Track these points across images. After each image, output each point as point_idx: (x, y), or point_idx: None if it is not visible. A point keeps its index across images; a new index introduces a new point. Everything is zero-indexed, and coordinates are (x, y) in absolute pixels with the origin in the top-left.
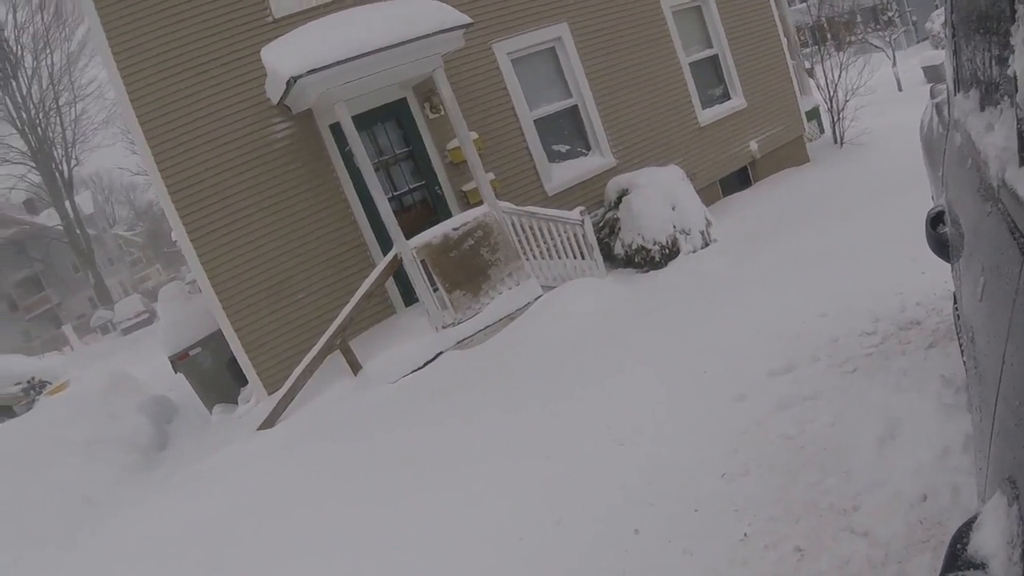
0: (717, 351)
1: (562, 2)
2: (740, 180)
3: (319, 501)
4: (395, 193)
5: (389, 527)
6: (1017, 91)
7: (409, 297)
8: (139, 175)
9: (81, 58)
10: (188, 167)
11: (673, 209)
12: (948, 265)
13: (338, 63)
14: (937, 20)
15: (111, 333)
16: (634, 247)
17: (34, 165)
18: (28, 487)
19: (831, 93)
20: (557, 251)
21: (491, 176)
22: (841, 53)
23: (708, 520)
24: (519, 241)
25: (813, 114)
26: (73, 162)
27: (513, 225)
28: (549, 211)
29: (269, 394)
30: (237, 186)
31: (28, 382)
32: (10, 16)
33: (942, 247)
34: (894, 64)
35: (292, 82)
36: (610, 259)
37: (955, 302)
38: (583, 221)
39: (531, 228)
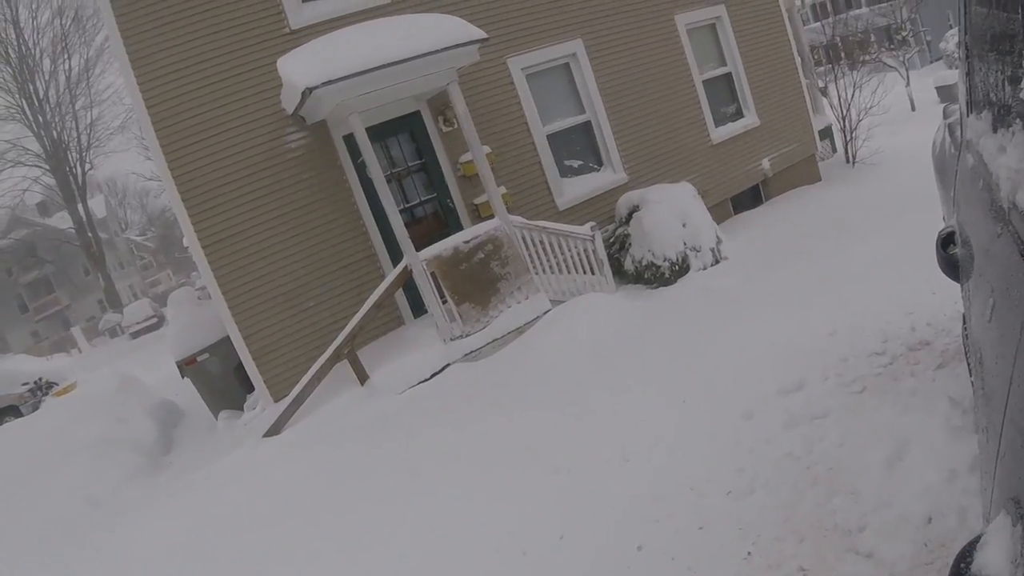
0: (726, 368)
1: (577, 19)
2: (752, 198)
3: (323, 508)
4: (407, 205)
5: (391, 534)
6: None
7: (418, 308)
8: (152, 180)
9: (99, 63)
10: (201, 174)
11: (684, 226)
12: (958, 286)
13: (353, 75)
14: (951, 40)
15: (119, 336)
16: (644, 263)
17: (48, 168)
18: (35, 488)
19: (844, 112)
20: (567, 266)
21: (503, 190)
22: (855, 72)
23: (712, 538)
24: (529, 255)
25: (826, 133)
26: (87, 166)
27: (524, 239)
28: (560, 226)
29: (275, 401)
30: (249, 194)
31: (35, 383)
32: (30, 19)
33: (952, 268)
34: (907, 84)
35: (307, 93)
36: (620, 275)
37: (964, 323)
38: (594, 236)
39: (541, 242)
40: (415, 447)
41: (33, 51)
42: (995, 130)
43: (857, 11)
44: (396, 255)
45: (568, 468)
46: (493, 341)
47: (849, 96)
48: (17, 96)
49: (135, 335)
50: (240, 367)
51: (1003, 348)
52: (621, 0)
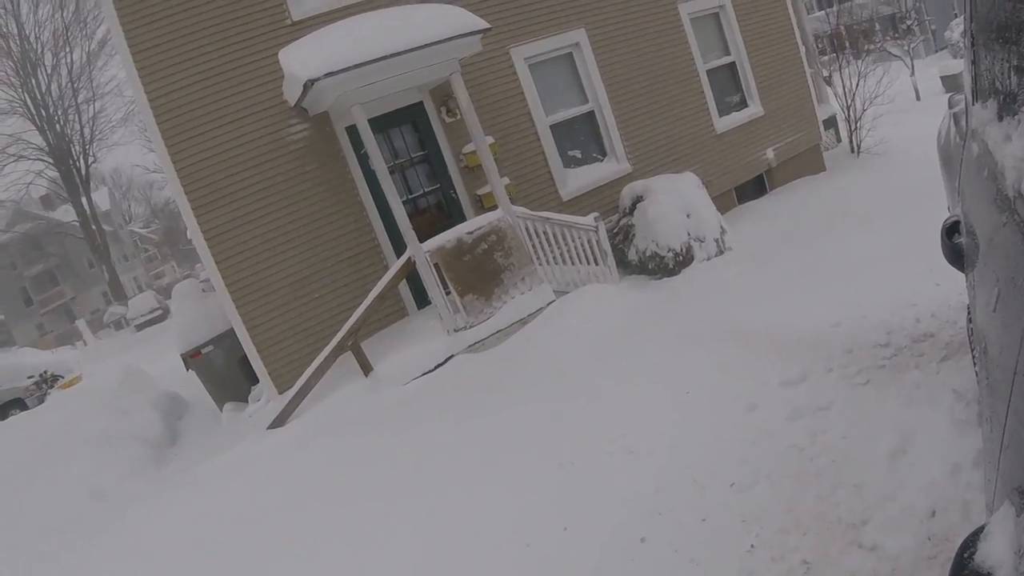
0: (729, 359)
1: (580, 8)
2: (756, 188)
3: (327, 500)
4: (410, 196)
5: (396, 526)
6: None
7: (422, 300)
8: (156, 173)
9: (101, 56)
10: (204, 166)
11: (688, 216)
12: (963, 277)
13: (355, 66)
14: (956, 29)
15: (124, 329)
16: (648, 254)
17: (52, 161)
18: (41, 481)
19: (849, 102)
20: (571, 256)
21: (506, 181)
22: (859, 61)
23: (716, 530)
24: (533, 246)
25: (830, 123)
26: (90, 159)
27: (527, 230)
28: (563, 216)
29: (280, 393)
30: (252, 186)
31: (40, 376)
32: (31, 13)
33: (957, 257)
34: (912, 73)
35: (309, 84)
36: (623, 265)
37: (969, 314)
38: (597, 227)
39: (545, 233)
40: (419, 438)
41: (35, 45)
42: (1000, 119)
43: None
44: (399, 246)
45: (572, 460)
46: (497, 332)
47: (854, 85)
48: (20, 90)
49: (140, 327)
50: (244, 359)
51: (1008, 338)
52: None
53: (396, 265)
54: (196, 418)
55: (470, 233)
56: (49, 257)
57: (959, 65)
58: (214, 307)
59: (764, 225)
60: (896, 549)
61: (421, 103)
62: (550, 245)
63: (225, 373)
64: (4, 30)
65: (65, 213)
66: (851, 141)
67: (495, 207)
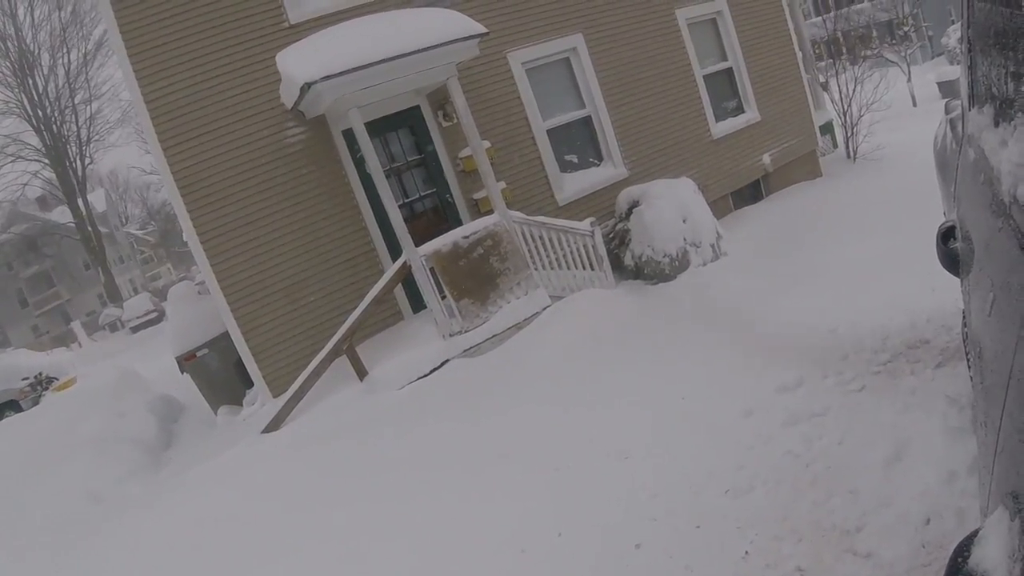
0: (726, 365)
1: (577, 13)
2: (752, 193)
3: (321, 504)
4: (406, 200)
5: (390, 531)
6: None
7: (417, 304)
8: (152, 175)
9: (98, 57)
10: (200, 168)
11: (684, 221)
12: (958, 283)
13: (352, 70)
14: (953, 35)
15: (120, 331)
16: (644, 259)
17: (48, 162)
18: (36, 484)
19: (845, 107)
20: (566, 261)
21: (502, 185)
22: (856, 67)
23: (710, 536)
24: (528, 251)
25: (827, 128)
26: (87, 160)
27: (523, 234)
28: (559, 221)
29: (274, 397)
30: (248, 189)
31: (35, 378)
32: (28, 14)
33: (952, 262)
34: (909, 79)
35: (306, 88)
36: (619, 270)
37: (964, 320)
38: (593, 232)
39: (541, 238)
40: (414, 443)
41: (32, 45)
42: (996, 124)
43: (859, 5)
44: (395, 250)
45: (567, 465)
46: (492, 337)
47: (850, 91)
48: (17, 91)
49: (135, 329)
50: (239, 362)
51: (1003, 343)
52: None
53: (392, 269)
54: (191, 421)
55: (466, 237)
56: (45, 259)
57: (956, 71)
58: (209, 310)
59: (760, 230)
60: (891, 556)
61: (418, 107)
62: (546, 250)
63: (220, 376)
64: (1, 31)
65: (61, 214)
66: (847, 147)
67: (491, 211)
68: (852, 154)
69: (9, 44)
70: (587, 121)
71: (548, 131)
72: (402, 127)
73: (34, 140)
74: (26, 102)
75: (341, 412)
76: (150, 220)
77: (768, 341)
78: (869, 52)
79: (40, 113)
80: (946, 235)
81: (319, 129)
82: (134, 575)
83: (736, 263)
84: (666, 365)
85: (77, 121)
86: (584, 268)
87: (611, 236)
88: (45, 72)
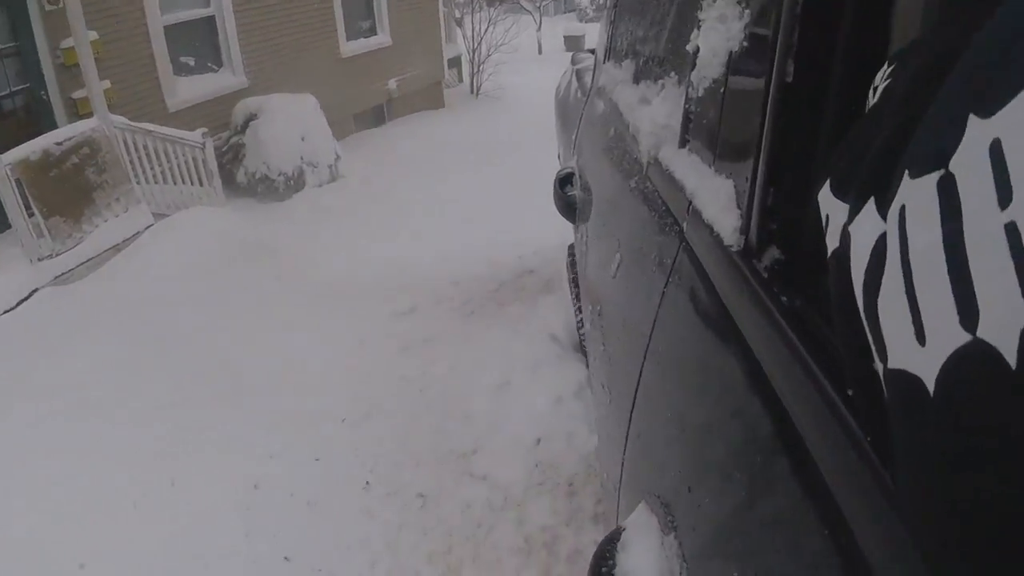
0: (339, 291)
1: None
2: (375, 117)
3: None
4: None
5: None
6: (695, 68)
7: (1, 223)
8: None
9: None
10: None
11: (302, 140)
12: (563, 220)
13: None
14: None
15: None
16: (258, 176)
17: None
18: None
19: (475, 45)
20: (174, 176)
21: (106, 84)
22: (491, 9)
23: (330, 469)
24: (131, 161)
25: (455, 62)
26: None
27: (125, 143)
28: (168, 130)
29: None
30: None
31: None
32: None
33: (568, 208)
34: (539, 28)
35: None
36: (232, 187)
37: (571, 255)
38: (204, 144)
39: (146, 148)
40: None
41: None
42: (636, 81)
43: None
44: None
45: (179, 401)
46: (88, 260)
47: (483, 31)
48: None
49: None
50: None
51: (634, 318)
52: None
53: None
54: None
55: (59, 144)
56: None
57: (582, 28)
58: None
59: (380, 155)
60: (507, 478)
61: None
62: (151, 161)
63: None
64: None
65: None
66: (472, 83)
67: (91, 114)
68: (476, 90)
69: None
70: (210, 21)
71: (166, 27)
72: None
73: None
74: None
75: None
76: None
77: (382, 267)
78: None
79: None
80: (563, 181)
81: None
82: None
83: (353, 186)
84: (277, 292)
85: None
86: (193, 184)
87: (225, 150)
88: None
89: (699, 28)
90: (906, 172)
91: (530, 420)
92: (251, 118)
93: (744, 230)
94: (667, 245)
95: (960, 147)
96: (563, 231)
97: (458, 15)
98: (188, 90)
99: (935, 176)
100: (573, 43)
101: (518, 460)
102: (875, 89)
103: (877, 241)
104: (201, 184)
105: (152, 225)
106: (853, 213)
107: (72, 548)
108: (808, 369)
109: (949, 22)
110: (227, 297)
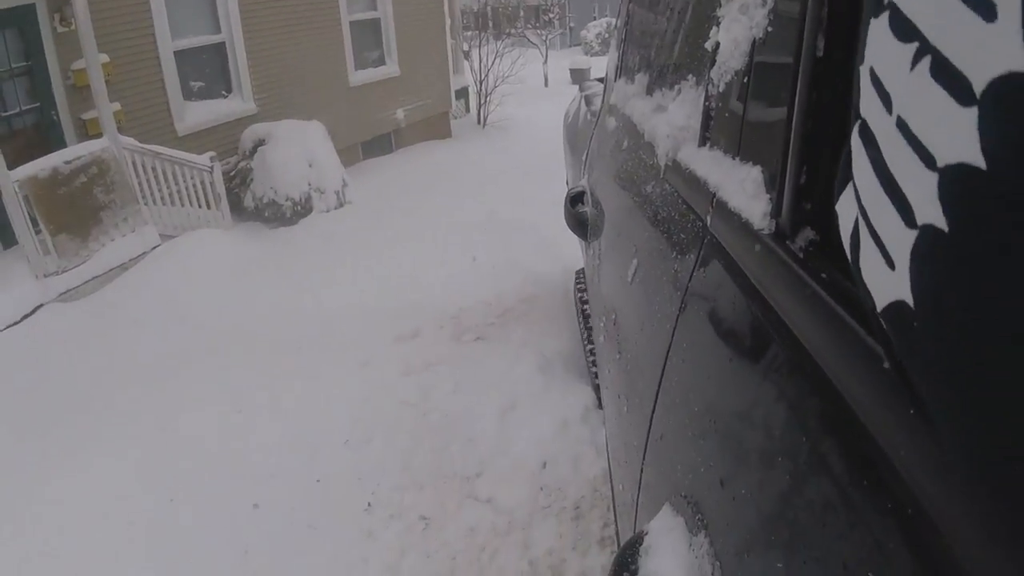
0: (343, 315)
1: None
2: (383, 146)
3: None
4: (4, 114)
5: None
6: (714, 64)
7: (9, 238)
8: None
9: None
10: None
11: (310, 166)
12: (570, 244)
13: None
14: (593, 30)
15: None
16: (265, 200)
17: None
18: None
19: (482, 76)
20: (181, 198)
21: (116, 106)
22: (499, 42)
23: (331, 491)
24: (139, 183)
25: (462, 93)
26: None
27: (134, 164)
28: (176, 153)
29: None
30: None
31: None
32: None
33: (580, 225)
34: (545, 61)
35: None
36: (239, 211)
37: (578, 280)
38: (212, 168)
39: (154, 169)
40: None
41: None
42: (649, 92)
43: None
44: None
45: (179, 426)
46: (94, 278)
47: (490, 63)
48: None
49: None
50: None
51: (653, 318)
52: None
53: None
54: None
55: (68, 163)
56: None
57: (588, 62)
58: None
59: (387, 182)
60: (511, 501)
61: (33, 6)
62: (159, 183)
63: None
64: None
65: None
66: (479, 113)
67: (100, 135)
68: (483, 121)
69: None
70: (220, 48)
71: (176, 52)
72: (10, 27)
73: None
74: None
75: None
76: None
77: (385, 291)
78: (513, 30)
79: None
80: (574, 200)
81: None
82: None
83: (359, 212)
84: (281, 315)
85: None
86: (200, 206)
87: (233, 174)
88: None
89: (718, 25)
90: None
91: (535, 444)
92: (259, 143)
93: (775, 213)
94: (689, 241)
95: (861, 96)
96: (568, 258)
97: (466, 47)
98: (197, 115)
99: (856, 128)
100: (578, 76)
101: (523, 483)
102: None
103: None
104: (209, 207)
105: (159, 245)
106: (838, 194)
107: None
108: (855, 342)
109: None
110: (231, 318)
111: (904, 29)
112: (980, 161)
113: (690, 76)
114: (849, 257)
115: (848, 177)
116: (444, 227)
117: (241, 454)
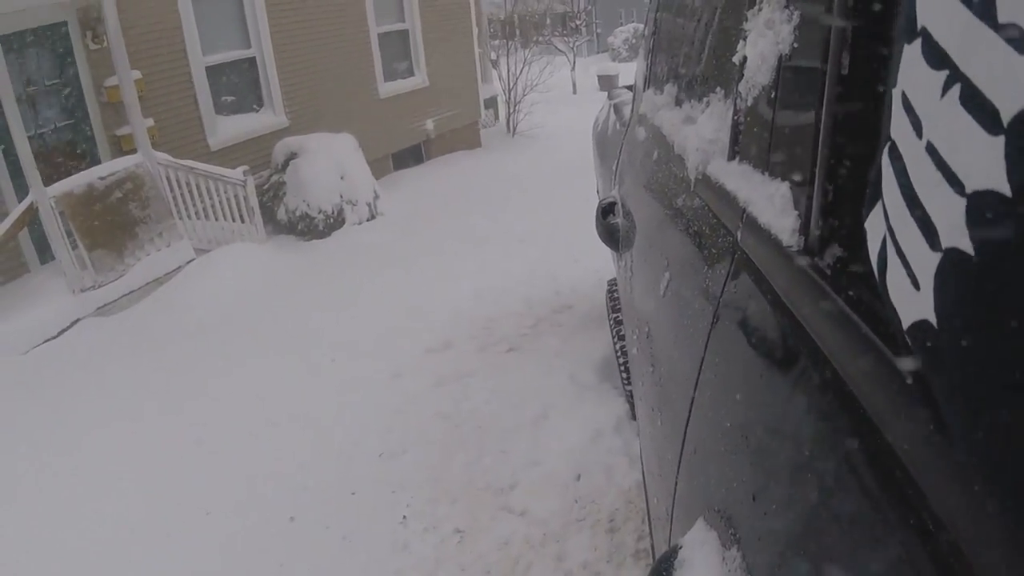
0: (376, 327)
1: None
2: (413, 157)
3: None
4: (39, 131)
5: None
6: (742, 78)
7: (46, 253)
8: None
9: None
10: None
11: (342, 178)
12: (602, 253)
13: None
14: (620, 36)
15: None
16: (298, 214)
17: None
18: None
19: (511, 85)
20: (215, 212)
21: (150, 122)
22: (527, 50)
23: (366, 503)
24: (173, 198)
25: (491, 103)
26: None
27: (168, 179)
28: (210, 167)
29: None
30: None
31: None
32: None
33: (611, 236)
34: (573, 68)
35: None
36: (272, 224)
37: (610, 289)
38: (246, 182)
39: (188, 184)
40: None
41: None
42: (678, 103)
43: None
44: (21, 189)
45: (213, 436)
46: (130, 293)
47: (518, 71)
48: None
49: None
50: None
51: (686, 333)
52: None
53: (15, 212)
54: None
55: (103, 179)
56: None
57: (616, 68)
58: None
59: (418, 193)
60: (545, 513)
61: (65, 24)
62: (193, 198)
63: None
64: None
65: None
66: (508, 122)
67: (135, 151)
68: (512, 129)
69: None
70: (251, 63)
71: (208, 68)
72: (43, 45)
73: None
74: None
75: None
76: None
77: (418, 303)
78: (540, 38)
79: None
80: (605, 211)
81: None
82: None
83: (391, 224)
84: (316, 327)
85: None
86: (234, 220)
87: (266, 188)
88: None
89: (744, 39)
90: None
91: (568, 455)
92: (291, 157)
93: (803, 230)
94: (720, 255)
95: (892, 118)
96: (601, 267)
97: (494, 56)
98: (229, 129)
99: (886, 149)
100: (607, 82)
101: (557, 495)
102: None
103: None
104: (243, 221)
105: (194, 259)
106: (867, 212)
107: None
108: (880, 359)
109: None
110: (265, 330)
111: (936, 56)
112: (1006, 188)
113: (719, 89)
114: (876, 275)
115: (877, 196)
116: (475, 238)
117: (275, 466)
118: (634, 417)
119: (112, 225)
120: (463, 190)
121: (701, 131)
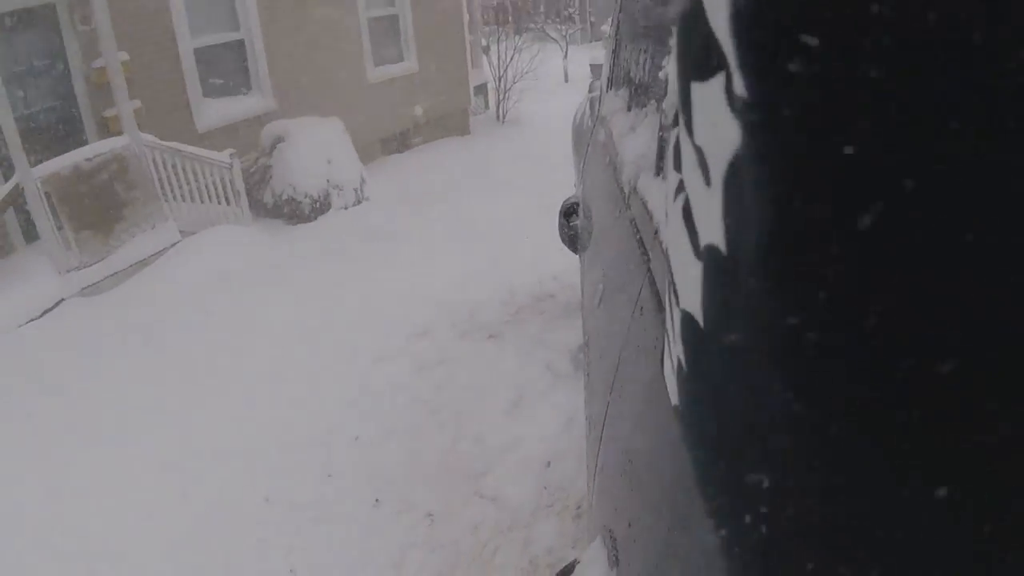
0: (358, 311)
1: None
2: (401, 142)
3: None
4: (26, 112)
5: None
6: (666, 95)
7: (32, 234)
8: None
9: None
10: None
11: (329, 163)
12: (572, 251)
13: None
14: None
15: None
16: (284, 197)
17: None
18: None
19: (501, 73)
20: (201, 194)
21: (136, 104)
22: (518, 37)
23: (341, 486)
24: (159, 180)
25: (481, 89)
26: None
27: (155, 161)
28: (196, 150)
29: None
30: None
31: None
32: None
33: (572, 240)
34: (565, 56)
35: None
36: (258, 208)
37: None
38: (232, 164)
39: (175, 166)
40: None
41: None
42: (629, 109)
43: None
44: (7, 168)
45: (192, 412)
46: (115, 274)
47: (509, 59)
48: None
49: None
50: None
51: (607, 350)
52: None
53: (1, 192)
54: None
55: (89, 160)
56: None
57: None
58: None
59: (406, 178)
60: (516, 499)
61: (54, 5)
62: (180, 180)
63: None
64: None
65: None
66: (498, 109)
67: (121, 132)
68: (502, 117)
69: None
70: (240, 45)
71: (196, 50)
72: (32, 26)
73: None
74: None
75: None
76: None
77: (402, 289)
78: (533, 25)
79: None
80: (568, 212)
81: None
82: None
83: (378, 209)
84: (298, 309)
85: None
86: (220, 203)
87: (252, 171)
88: None
89: (671, 54)
90: None
91: (541, 442)
92: (279, 140)
93: None
94: (634, 277)
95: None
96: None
97: (484, 43)
98: (217, 112)
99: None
100: (599, 71)
101: (528, 482)
102: None
103: None
104: (228, 203)
105: (179, 241)
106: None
107: (79, 549)
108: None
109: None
110: (249, 313)
111: (676, 161)
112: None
113: (652, 101)
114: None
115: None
116: (461, 224)
117: (252, 448)
118: None
119: (98, 206)
120: (450, 176)
121: (636, 143)
